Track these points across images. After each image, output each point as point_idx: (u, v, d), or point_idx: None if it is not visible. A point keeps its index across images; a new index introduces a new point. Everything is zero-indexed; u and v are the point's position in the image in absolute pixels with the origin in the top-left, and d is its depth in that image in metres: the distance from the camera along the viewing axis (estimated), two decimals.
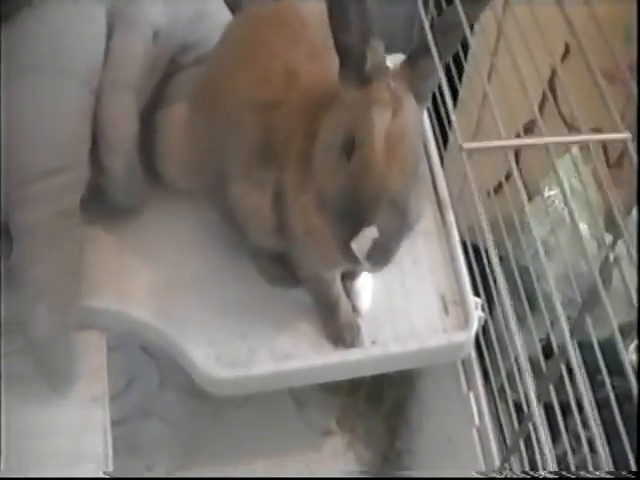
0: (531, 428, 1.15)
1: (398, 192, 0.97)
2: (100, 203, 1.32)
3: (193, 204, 1.36)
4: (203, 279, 1.34)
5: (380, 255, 0.98)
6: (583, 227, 1.66)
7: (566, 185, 1.66)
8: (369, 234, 0.95)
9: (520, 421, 1.26)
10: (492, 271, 1.52)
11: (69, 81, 1.20)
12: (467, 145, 0.82)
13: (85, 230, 1.28)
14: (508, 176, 1.67)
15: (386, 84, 1.01)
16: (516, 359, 1.36)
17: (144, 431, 1.76)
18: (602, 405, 1.09)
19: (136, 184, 1.33)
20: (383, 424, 1.84)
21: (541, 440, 0.94)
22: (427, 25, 0.99)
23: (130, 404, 1.76)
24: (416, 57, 1.04)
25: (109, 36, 1.25)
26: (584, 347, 1.04)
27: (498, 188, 1.69)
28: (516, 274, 1.41)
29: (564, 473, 1.05)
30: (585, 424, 0.97)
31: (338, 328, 1.30)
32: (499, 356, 1.47)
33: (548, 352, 1.39)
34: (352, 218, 0.97)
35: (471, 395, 1.49)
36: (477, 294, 1.46)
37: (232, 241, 1.34)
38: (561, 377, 1.09)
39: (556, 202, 1.69)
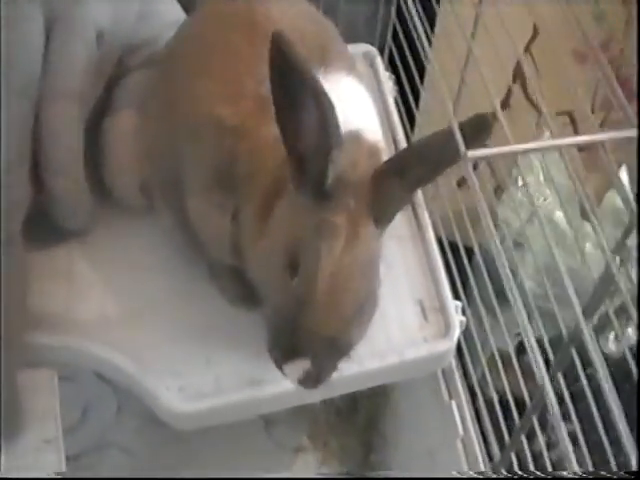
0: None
1: (337, 333, 0.93)
2: (43, 227, 1.20)
3: (147, 222, 1.25)
4: (161, 303, 1.23)
5: (311, 383, 0.95)
6: (559, 216, 1.60)
7: (540, 173, 1.63)
8: (303, 366, 0.93)
9: (520, 414, 1.18)
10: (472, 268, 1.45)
11: (3, 91, 1.07)
12: (472, 153, 0.72)
13: (28, 258, 1.16)
14: (475, 166, 1.61)
15: (345, 205, 0.92)
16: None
17: (103, 464, 1.64)
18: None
19: (83, 204, 1.21)
20: (357, 438, 1.76)
21: (562, 435, 0.85)
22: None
23: (86, 436, 1.64)
24: (383, 177, 0.94)
25: (48, 39, 1.13)
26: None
27: (462, 181, 1.61)
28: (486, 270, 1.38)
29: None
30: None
31: None
32: (481, 353, 1.38)
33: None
34: (287, 342, 0.93)
35: (453, 404, 1.41)
36: (457, 295, 1.38)
37: (191, 261, 1.23)
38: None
39: (530, 191, 1.63)
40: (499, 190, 1.69)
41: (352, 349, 0.99)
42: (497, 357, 1.32)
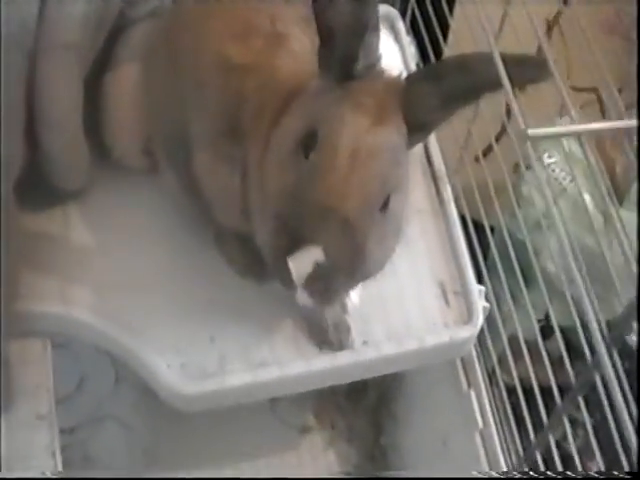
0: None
1: (353, 214, 0.83)
2: (38, 187, 1.11)
3: (149, 186, 1.17)
4: (163, 274, 1.14)
5: (319, 285, 0.85)
6: (586, 198, 1.50)
7: (567, 150, 1.52)
8: (313, 256, 0.81)
9: (548, 412, 1.08)
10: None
11: None
12: (533, 132, 0.63)
13: (21, 221, 1.08)
14: (498, 137, 1.51)
15: (374, 89, 0.86)
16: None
17: (99, 437, 1.56)
18: None
19: (81, 162, 1.13)
20: (367, 419, 1.67)
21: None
22: None
23: (82, 408, 1.55)
24: (418, 79, 0.89)
25: None
26: None
27: (487, 151, 1.49)
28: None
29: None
30: None
31: (323, 328, 1.12)
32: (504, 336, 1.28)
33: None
34: (294, 229, 0.83)
35: (472, 393, 1.31)
36: (480, 278, 1.29)
37: (196, 228, 1.15)
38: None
39: (557, 170, 1.52)
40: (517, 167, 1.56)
41: (374, 263, 0.90)
42: (522, 342, 1.22)
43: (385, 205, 0.87)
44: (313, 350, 1.11)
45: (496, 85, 0.78)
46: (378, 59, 0.88)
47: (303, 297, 0.86)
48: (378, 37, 0.85)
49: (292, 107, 0.92)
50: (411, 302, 1.18)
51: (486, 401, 1.28)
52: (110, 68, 1.15)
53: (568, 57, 1.52)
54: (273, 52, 0.96)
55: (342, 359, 1.11)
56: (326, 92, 0.87)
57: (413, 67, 1.42)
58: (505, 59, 0.78)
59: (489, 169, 1.35)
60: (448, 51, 1.45)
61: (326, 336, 1.11)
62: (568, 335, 1.21)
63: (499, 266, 1.30)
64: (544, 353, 1.17)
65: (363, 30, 0.82)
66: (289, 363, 1.09)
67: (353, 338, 1.12)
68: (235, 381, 1.07)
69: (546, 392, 1.14)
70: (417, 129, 0.90)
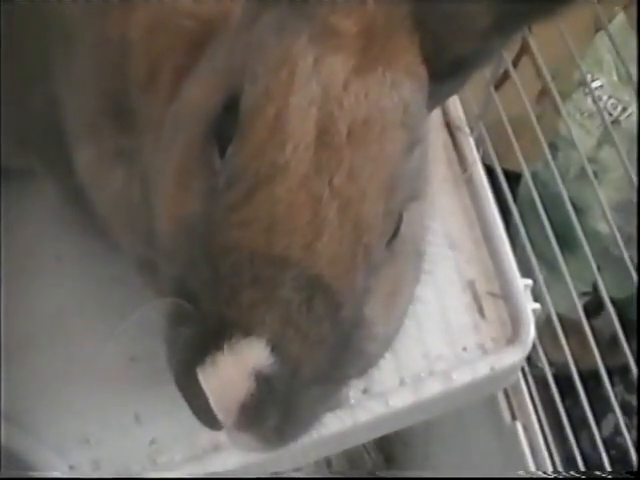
0: None
1: (332, 269, 0.48)
2: None
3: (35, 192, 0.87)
4: (56, 326, 0.83)
5: (264, 420, 0.47)
6: None
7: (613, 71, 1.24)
8: (249, 364, 0.46)
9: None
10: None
11: None
12: None
13: None
14: (516, 62, 1.19)
15: (358, 6, 0.51)
16: None
17: None
18: None
19: None
20: None
21: None
22: None
23: None
24: None
25: None
26: None
27: (503, 79, 1.15)
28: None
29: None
30: None
31: None
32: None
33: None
34: (205, 306, 0.48)
35: (518, 425, 0.98)
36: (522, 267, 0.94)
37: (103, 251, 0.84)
38: None
39: (604, 98, 1.25)
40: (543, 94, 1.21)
41: (372, 356, 0.55)
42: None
43: (395, 233, 0.53)
44: None
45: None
46: None
47: (240, 440, 0.50)
48: None
49: (200, 63, 0.60)
50: (429, 319, 0.84)
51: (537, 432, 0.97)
52: None
53: None
54: None
55: (334, 423, 0.74)
56: (261, 26, 0.52)
57: None
58: None
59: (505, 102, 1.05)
60: None
61: None
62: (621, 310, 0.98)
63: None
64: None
65: None
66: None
67: (347, 388, 0.76)
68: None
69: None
70: (449, 70, 0.54)
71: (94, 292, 0.84)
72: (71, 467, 0.79)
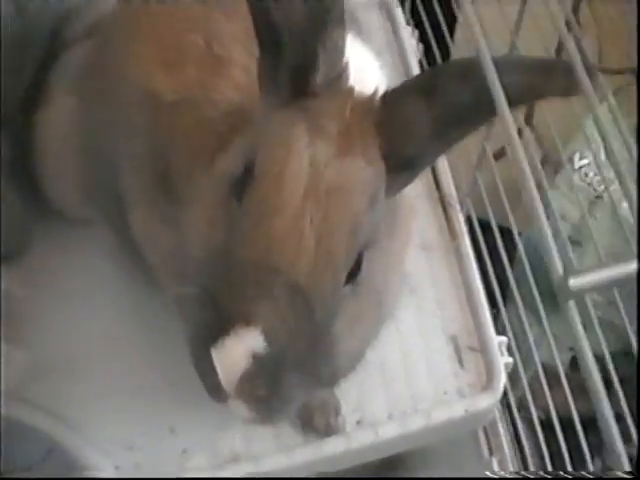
0: None
1: (309, 279, 0.62)
2: None
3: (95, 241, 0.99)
4: (108, 349, 0.95)
5: (260, 389, 0.62)
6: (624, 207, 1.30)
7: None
8: (249, 344, 0.60)
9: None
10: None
11: None
12: (575, 282, 0.42)
13: None
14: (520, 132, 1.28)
15: (338, 110, 0.66)
16: None
17: None
18: None
19: (13, 223, 0.96)
20: None
21: None
22: None
23: None
24: (403, 94, 0.66)
25: None
26: None
27: (500, 153, 1.24)
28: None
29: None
30: None
31: (307, 410, 0.92)
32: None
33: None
34: (220, 304, 0.62)
35: (494, 461, 1.09)
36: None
37: (149, 289, 0.93)
38: None
39: (590, 174, 1.33)
40: (546, 164, 1.33)
41: (341, 361, 0.68)
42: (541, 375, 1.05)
43: (357, 267, 0.66)
44: (295, 438, 0.93)
45: (517, 100, 0.59)
46: (344, 68, 0.66)
47: (238, 408, 0.64)
48: (343, 37, 0.64)
49: (231, 146, 0.73)
50: (417, 366, 0.98)
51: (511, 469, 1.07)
52: (42, 103, 0.97)
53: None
54: (209, 82, 0.77)
55: (330, 447, 0.93)
56: (270, 116, 0.67)
57: (415, 65, 1.19)
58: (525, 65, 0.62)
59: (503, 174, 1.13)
60: (455, 50, 1.21)
61: (310, 419, 0.92)
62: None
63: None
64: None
65: (322, 26, 0.62)
66: (265, 457, 0.90)
67: (344, 418, 0.94)
68: None
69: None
70: (401, 166, 0.68)
71: (141, 322, 0.96)
72: (117, 467, 0.90)
